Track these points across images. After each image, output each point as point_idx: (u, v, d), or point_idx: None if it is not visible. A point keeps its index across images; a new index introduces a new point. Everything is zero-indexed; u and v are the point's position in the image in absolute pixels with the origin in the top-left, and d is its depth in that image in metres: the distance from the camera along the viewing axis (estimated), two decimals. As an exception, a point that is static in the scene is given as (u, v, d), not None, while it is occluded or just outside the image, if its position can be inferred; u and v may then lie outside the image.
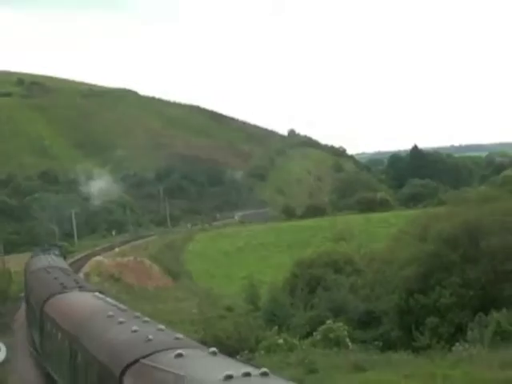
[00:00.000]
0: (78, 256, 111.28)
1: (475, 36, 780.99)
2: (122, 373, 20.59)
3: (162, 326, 25.48)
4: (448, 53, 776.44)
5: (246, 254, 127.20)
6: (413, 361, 37.35)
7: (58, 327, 33.52)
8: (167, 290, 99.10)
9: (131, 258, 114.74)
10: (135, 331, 23.31)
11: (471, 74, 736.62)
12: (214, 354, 19.37)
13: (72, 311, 33.53)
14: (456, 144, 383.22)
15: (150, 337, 22.04)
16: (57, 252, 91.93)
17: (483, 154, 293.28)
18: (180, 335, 22.74)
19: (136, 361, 20.53)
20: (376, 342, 49.05)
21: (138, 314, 27.81)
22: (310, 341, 46.84)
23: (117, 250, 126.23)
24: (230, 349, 40.34)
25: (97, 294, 45.22)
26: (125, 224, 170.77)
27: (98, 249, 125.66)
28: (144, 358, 20.46)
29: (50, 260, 70.57)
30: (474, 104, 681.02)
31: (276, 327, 52.28)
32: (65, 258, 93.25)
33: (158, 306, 72.20)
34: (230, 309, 78.29)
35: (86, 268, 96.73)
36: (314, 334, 47.77)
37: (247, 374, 17.20)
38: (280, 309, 63.74)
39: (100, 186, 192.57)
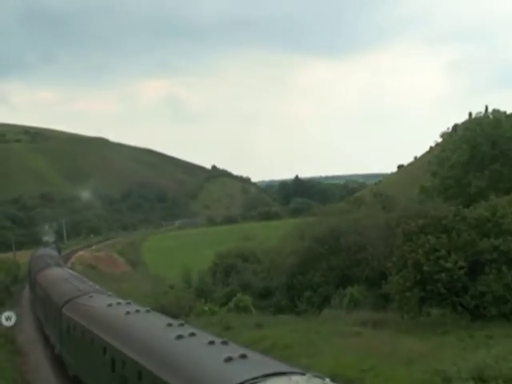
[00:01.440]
0: (67, 251, 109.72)
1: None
2: (63, 305, 26.99)
3: (97, 287, 32.17)
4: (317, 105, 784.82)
5: (183, 249, 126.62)
6: (295, 320, 37.42)
7: (44, 289, 38.21)
8: (128, 274, 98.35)
9: (104, 252, 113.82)
10: (78, 287, 30.21)
11: (334, 123, 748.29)
12: (110, 295, 26.64)
13: (51, 277, 40.29)
14: (323, 175, 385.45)
15: (81, 288, 29.35)
16: (53, 246, 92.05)
17: (341, 182, 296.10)
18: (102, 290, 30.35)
19: (70, 299, 26.80)
20: (271, 309, 49.00)
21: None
22: (227, 308, 46.64)
23: (93, 247, 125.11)
24: (171, 314, 40.03)
25: (66, 269, 50.24)
26: (99, 229, 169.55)
27: (80, 247, 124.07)
28: (75, 298, 26.64)
29: (46, 251, 71.69)
30: (335, 144, 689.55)
31: (203, 299, 51.98)
32: (60, 251, 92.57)
33: (122, 285, 71.30)
34: (172, 286, 77.55)
35: (73, 259, 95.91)
36: (229, 303, 47.58)
37: (138, 311, 20.47)
38: (206, 286, 63.33)
39: (82, 203, 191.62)
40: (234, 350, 13.23)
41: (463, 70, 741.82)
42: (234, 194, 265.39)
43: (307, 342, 26.91)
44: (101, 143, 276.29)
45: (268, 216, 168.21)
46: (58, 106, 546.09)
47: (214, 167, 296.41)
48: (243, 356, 12.61)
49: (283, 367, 12.12)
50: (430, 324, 30.40)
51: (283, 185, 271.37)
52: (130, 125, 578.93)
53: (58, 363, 29.91)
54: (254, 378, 11.21)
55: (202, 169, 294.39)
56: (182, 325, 17.10)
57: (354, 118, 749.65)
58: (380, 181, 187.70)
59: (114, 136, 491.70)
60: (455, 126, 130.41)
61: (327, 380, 11.34)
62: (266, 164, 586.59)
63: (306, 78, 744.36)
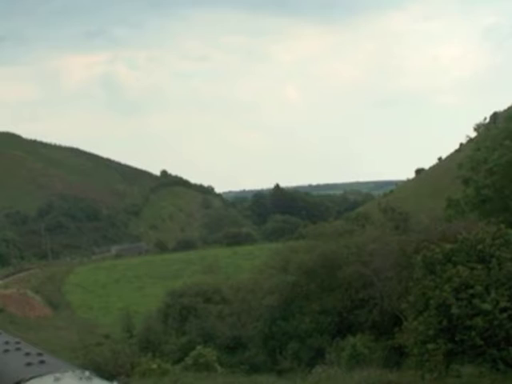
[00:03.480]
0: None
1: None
2: None
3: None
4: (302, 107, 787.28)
5: (122, 286, 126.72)
6: (276, 383, 37.35)
7: None
8: (48, 319, 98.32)
9: (14, 289, 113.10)
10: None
11: (321, 122, 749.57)
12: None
13: None
14: (313, 183, 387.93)
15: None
16: None
17: (338, 192, 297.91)
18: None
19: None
20: (242, 366, 48.98)
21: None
22: (182, 365, 46.56)
23: (0, 282, 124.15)
24: (106, 374, 39.85)
25: None
26: (8, 258, 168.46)
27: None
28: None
29: None
30: (329, 146, 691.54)
31: (150, 353, 51.84)
32: None
33: (40, 334, 71.15)
34: (107, 336, 77.76)
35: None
36: (186, 359, 47.47)
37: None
38: (154, 336, 63.36)
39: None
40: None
41: (506, 41, 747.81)
42: (192, 209, 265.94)
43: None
44: (10, 141, 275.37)
45: (237, 240, 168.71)
46: None
47: (164, 173, 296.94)
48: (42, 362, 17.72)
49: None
50: (461, 387, 30.52)
51: (258, 197, 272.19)
52: (51, 116, 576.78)
53: None
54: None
55: (148, 175, 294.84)
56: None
57: (356, 106, 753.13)
58: (391, 191, 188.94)
59: (29, 131, 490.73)
60: (494, 116, 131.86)
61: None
62: (235, 169, 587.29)
63: (289, 49, 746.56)
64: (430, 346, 30.70)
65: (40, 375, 20.86)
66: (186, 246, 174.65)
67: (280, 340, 50.93)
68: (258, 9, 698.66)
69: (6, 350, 22.61)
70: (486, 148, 69.98)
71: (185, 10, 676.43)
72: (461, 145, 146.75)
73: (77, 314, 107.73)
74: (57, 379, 20.07)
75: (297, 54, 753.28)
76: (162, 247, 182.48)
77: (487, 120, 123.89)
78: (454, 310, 30.10)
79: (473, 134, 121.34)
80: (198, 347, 48.67)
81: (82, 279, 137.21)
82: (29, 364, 22.98)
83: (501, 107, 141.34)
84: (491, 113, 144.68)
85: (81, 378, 20.27)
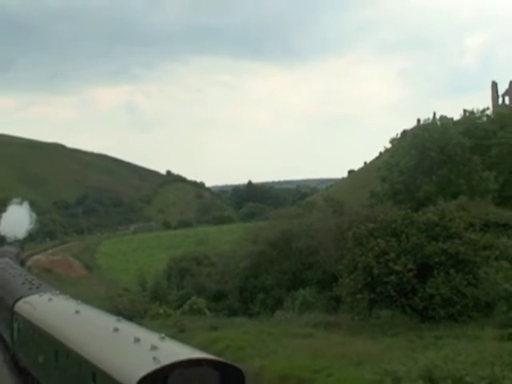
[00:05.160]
0: (23, 255, 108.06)
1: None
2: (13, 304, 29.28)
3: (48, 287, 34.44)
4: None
5: (138, 253, 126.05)
6: (248, 322, 37.28)
7: None
8: (84, 278, 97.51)
9: (60, 256, 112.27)
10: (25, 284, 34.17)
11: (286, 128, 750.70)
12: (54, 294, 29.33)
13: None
14: (276, 180, 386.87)
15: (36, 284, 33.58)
16: (17, 244, 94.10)
17: (293, 187, 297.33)
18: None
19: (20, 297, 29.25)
20: (224, 311, 48.84)
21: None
22: (181, 310, 46.33)
23: (50, 251, 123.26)
24: (126, 317, 39.60)
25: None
26: (55, 234, 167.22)
27: (36, 251, 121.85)
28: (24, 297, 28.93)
29: (7, 248, 74.71)
30: (288, 152, 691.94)
31: (158, 302, 51.60)
32: (23, 248, 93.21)
33: (78, 289, 70.54)
34: (126, 290, 77.07)
35: (28, 263, 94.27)
36: (184, 306, 47.24)
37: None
38: (161, 289, 63.03)
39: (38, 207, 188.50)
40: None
41: (413, 78, 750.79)
42: (189, 198, 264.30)
43: (260, 343, 26.77)
44: (57, 149, 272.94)
45: (221, 220, 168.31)
46: (16, 112, 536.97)
47: (168, 173, 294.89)
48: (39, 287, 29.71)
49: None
50: (379, 325, 30.50)
51: (236, 190, 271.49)
52: (87, 131, 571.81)
53: (11, 356, 31.27)
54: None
55: (157, 174, 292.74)
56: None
57: (307, 125, 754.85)
58: (331, 186, 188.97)
59: (71, 142, 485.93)
60: (404, 132, 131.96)
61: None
62: (220, 170, 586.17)
63: (260, 84, 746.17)
64: (358, 296, 30.75)
65: (36, 294, 27.96)
66: (184, 224, 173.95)
67: (251, 292, 50.85)
68: (239, 56, 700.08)
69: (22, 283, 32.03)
70: (398, 155, 70.17)
71: (186, 55, 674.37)
72: (380, 153, 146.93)
73: (105, 274, 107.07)
74: (50, 299, 25.63)
75: (266, 88, 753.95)
76: (167, 226, 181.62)
77: (399, 135, 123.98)
78: (375, 271, 30.14)
79: (388, 145, 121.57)
80: (193, 297, 48.44)
81: (108, 249, 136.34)
82: (30, 289, 31.13)
83: (408, 126, 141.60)
84: (401, 130, 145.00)
85: (68, 298, 26.27)
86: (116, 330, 17.18)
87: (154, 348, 14.27)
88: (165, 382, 13.21)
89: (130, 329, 17.72)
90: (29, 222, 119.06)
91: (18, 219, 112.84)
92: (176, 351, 14.54)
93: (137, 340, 15.23)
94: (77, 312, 21.94)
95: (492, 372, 15.92)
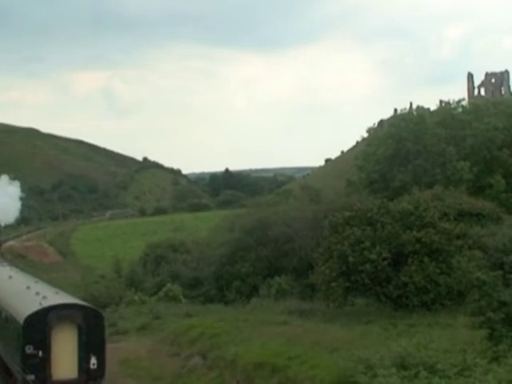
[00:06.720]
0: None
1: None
2: None
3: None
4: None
5: (113, 240, 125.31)
6: (224, 309, 37.40)
7: None
8: (58, 264, 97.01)
9: (34, 242, 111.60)
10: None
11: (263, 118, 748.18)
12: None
13: None
14: (253, 167, 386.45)
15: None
16: None
17: (270, 175, 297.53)
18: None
19: None
20: (200, 298, 48.91)
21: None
22: (156, 297, 46.37)
23: (24, 237, 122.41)
24: (101, 303, 39.62)
25: None
26: (30, 220, 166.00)
27: (10, 237, 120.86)
28: None
29: None
30: (265, 140, 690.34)
31: (133, 289, 51.53)
32: None
33: (52, 275, 70.16)
34: (102, 276, 76.78)
35: (2, 249, 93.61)
36: (159, 292, 47.30)
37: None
38: (136, 276, 62.89)
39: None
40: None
41: (391, 68, 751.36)
42: (165, 185, 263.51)
43: (235, 330, 26.87)
44: (32, 134, 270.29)
45: (198, 207, 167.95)
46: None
47: (145, 159, 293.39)
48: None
49: None
50: (354, 313, 30.75)
51: (213, 177, 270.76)
52: (63, 116, 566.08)
53: None
54: None
55: (133, 160, 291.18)
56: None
57: (285, 113, 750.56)
58: (308, 174, 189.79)
59: (46, 127, 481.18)
60: (381, 122, 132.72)
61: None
62: (197, 157, 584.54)
63: (238, 71, 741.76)
64: (333, 284, 30.90)
65: None
66: (160, 211, 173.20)
67: (227, 279, 50.95)
68: (215, 43, 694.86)
69: None
70: (375, 145, 70.55)
71: (162, 41, 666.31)
72: (357, 142, 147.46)
73: (80, 261, 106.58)
74: None
75: (244, 75, 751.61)
76: (143, 212, 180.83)
77: (375, 125, 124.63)
78: (350, 259, 30.31)
79: (365, 135, 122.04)
80: (168, 284, 48.54)
81: (84, 235, 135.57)
82: None
83: (385, 116, 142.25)
84: (378, 120, 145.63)
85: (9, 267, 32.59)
86: (28, 288, 24.34)
87: (39, 294, 22.36)
88: (45, 318, 20.50)
89: (39, 286, 25.30)
90: (18, 207, 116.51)
91: (6, 201, 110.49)
92: (54, 297, 22.20)
93: (37, 294, 22.77)
94: (10, 277, 28.59)
95: (463, 359, 16.18)
